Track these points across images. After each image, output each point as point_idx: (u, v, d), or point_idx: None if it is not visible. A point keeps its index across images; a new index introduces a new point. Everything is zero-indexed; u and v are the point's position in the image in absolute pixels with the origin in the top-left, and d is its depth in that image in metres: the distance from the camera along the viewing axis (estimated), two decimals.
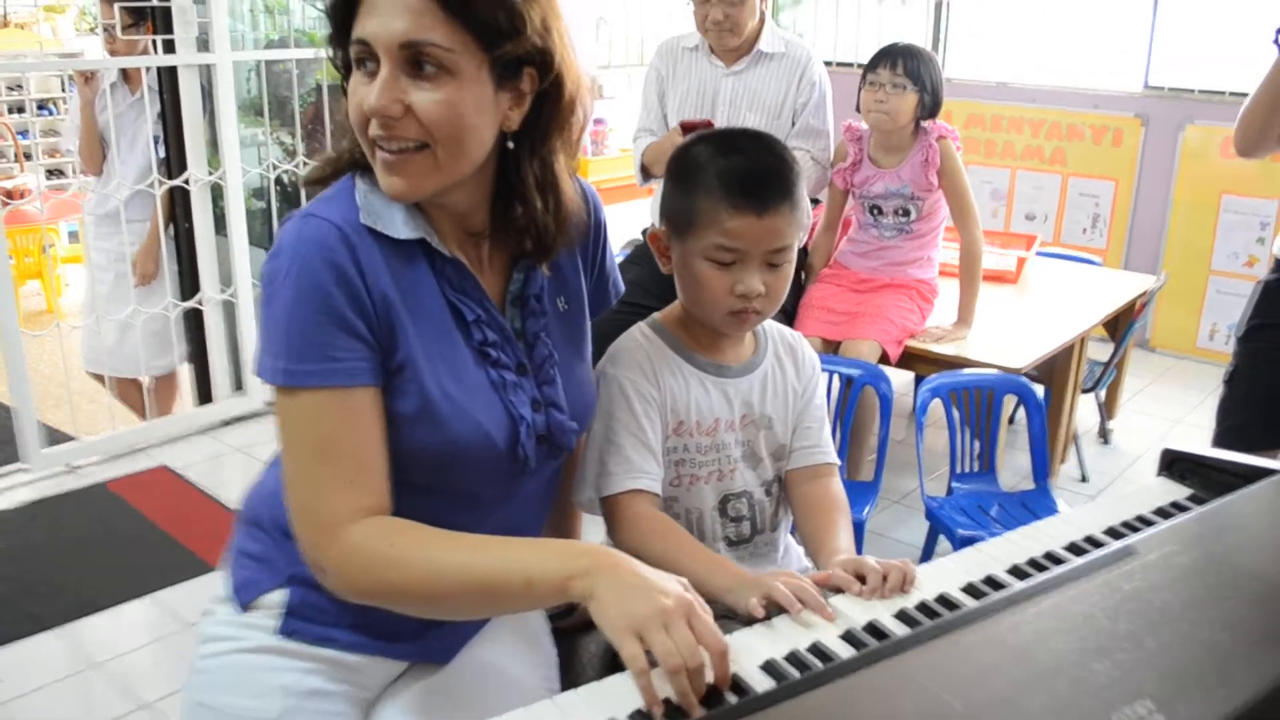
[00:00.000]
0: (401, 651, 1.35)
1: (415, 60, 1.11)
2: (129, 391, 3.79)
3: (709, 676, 0.99)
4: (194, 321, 3.77)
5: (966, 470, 2.74)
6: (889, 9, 5.48)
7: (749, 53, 3.11)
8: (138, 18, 3.41)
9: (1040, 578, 1.14)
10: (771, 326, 1.57)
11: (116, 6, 3.34)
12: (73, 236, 6.24)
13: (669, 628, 0.99)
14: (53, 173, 7.37)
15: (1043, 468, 2.67)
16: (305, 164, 3.86)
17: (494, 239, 1.28)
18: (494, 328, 1.26)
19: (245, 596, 1.31)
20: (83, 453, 3.56)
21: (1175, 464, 1.57)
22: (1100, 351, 3.73)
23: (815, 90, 3.11)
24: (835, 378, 2.64)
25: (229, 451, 3.72)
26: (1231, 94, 4.53)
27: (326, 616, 1.28)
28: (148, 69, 3.48)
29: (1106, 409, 3.94)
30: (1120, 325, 3.61)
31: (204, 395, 3.88)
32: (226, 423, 3.90)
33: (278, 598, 1.29)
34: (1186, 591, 1.08)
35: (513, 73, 1.17)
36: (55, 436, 3.73)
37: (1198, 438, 3.74)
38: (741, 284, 1.39)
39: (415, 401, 1.19)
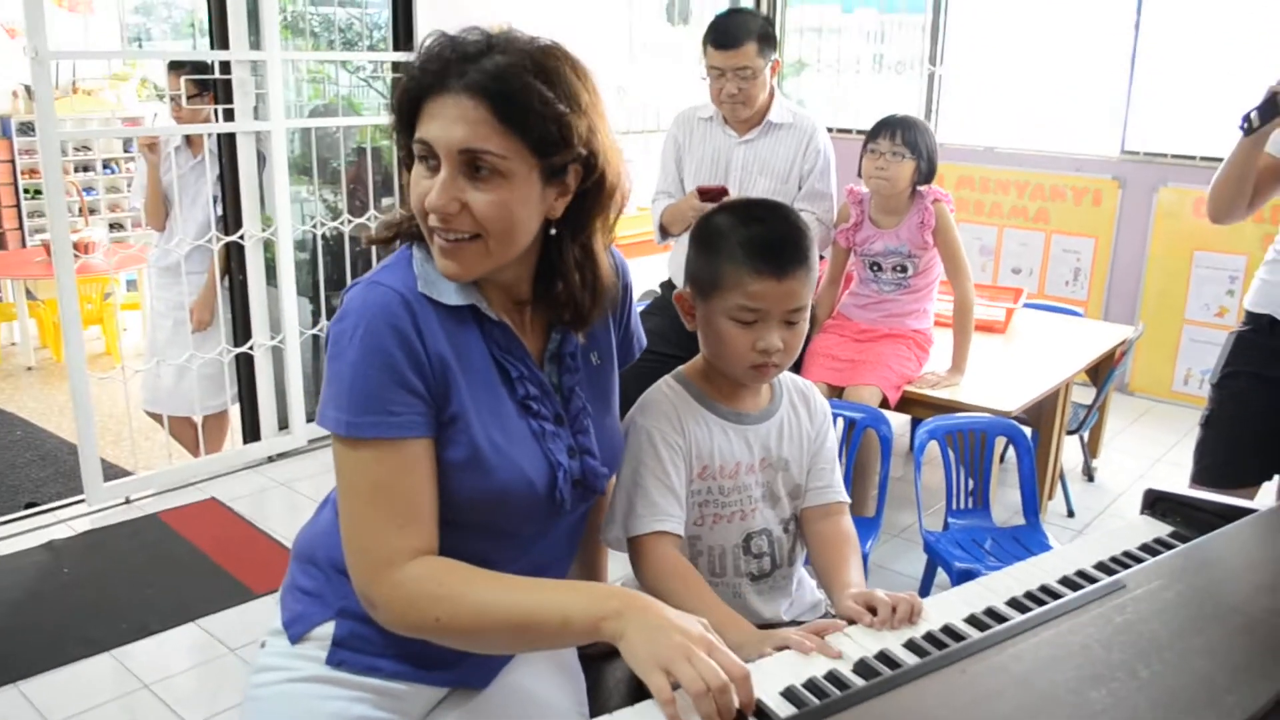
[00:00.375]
0: (441, 679, 1.36)
1: (473, 164, 1.15)
2: (183, 430, 3.82)
3: (735, 701, 1.01)
4: (245, 365, 3.80)
5: (961, 506, 2.74)
6: (886, 79, 5.54)
7: (759, 123, 3.16)
8: (201, 88, 3.49)
9: (1038, 611, 1.16)
10: (786, 377, 1.60)
11: (183, 79, 3.42)
12: (131, 285, 6.31)
13: (692, 660, 1.02)
14: (114, 226, 7.45)
15: (1032, 504, 2.68)
16: (350, 221, 3.92)
17: (535, 305, 1.32)
18: (535, 383, 1.29)
19: (296, 631, 1.33)
20: (139, 486, 3.58)
21: (1158, 503, 1.59)
22: (1084, 395, 3.74)
23: (820, 157, 3.15)
24: (839, 420, 2.65)
25: (274, 486, 3.74)
26: (1203, 158, 4.56)
27: (372, 647, 1.30)
28: (208, 135, 3.54)
29: (1090, 449, 3.94)
30: (1101, 371, 3.62)
31: (252, 433, 3.91)
32: (272, 459, 3.92)
33: (327, 630, 1.31)
34: (1174, 623, 1.10)
35: (560, 173, 1.21)
36: (113, 471, 3.76)
37: (1176, 475, 3.75)
38: (763, 341, 1.42)
39: (465, 451, 1.22)
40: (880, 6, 5.52)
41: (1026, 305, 3.98)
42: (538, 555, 1.36)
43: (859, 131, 5.16)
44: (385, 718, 1.31)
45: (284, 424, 3.95)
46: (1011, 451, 3.60)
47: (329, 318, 3.91)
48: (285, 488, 3.72)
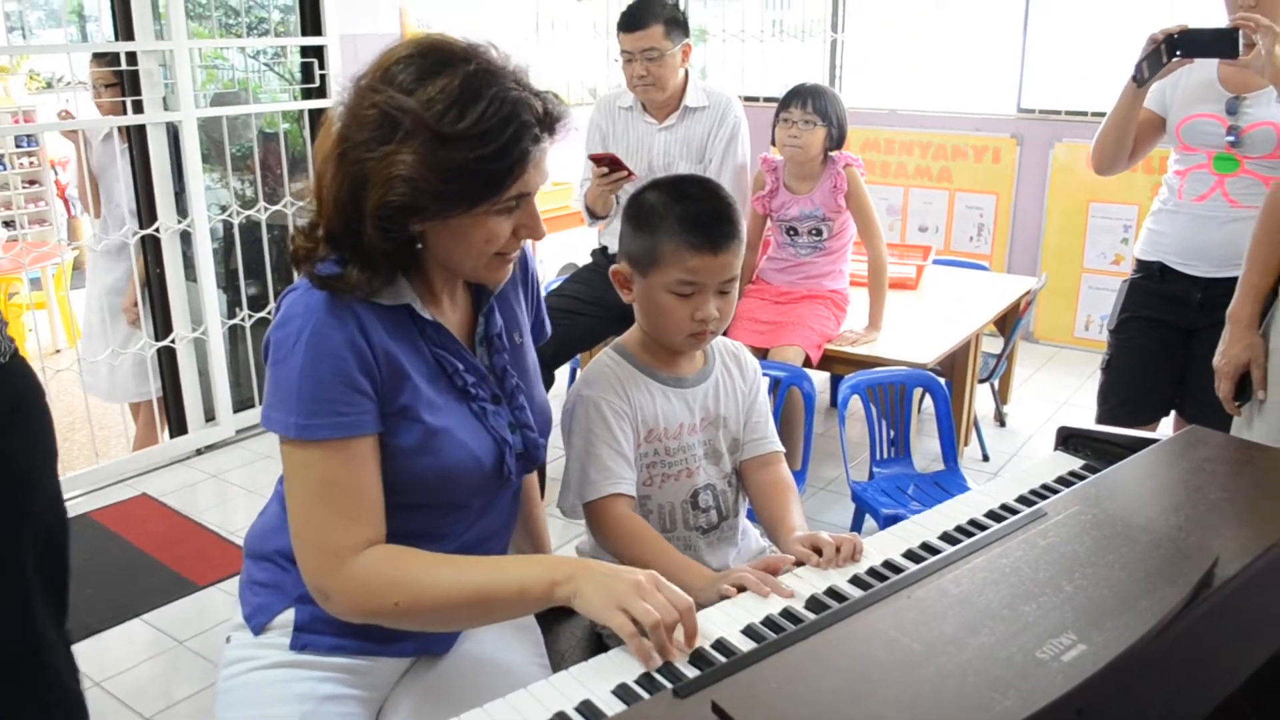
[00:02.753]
0: (405, 649, 1.41)
1: None
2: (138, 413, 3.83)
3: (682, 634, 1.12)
4: (167, 359, 3.76)
5: (885, 456, 2.86)
6: (788, 46, 5.64)
7: (677, 109, 3.23)
8: (119, 78, 3.43)
9: (968, 541, 1.26)
10: (717, 340, 1.68)
11: (91, 70, 3.38)
12: (35, 284, 6.13)
13: (645, 597, 1.12)
14: (7, 224, 7.20)
15: (951, 450, 2.81)
16: (265, 209, 3.89)
17: (462, 285, 1.41)
18: (472, 370, 1.37)
19: (258, 622, 1.38)
20: (67, 487, 3.46)
21: (1069, 439, 1.71)
22: (992, 345, 3.90)
23: (725, 128, 3.23)
24: (765, 380, 2.74)
25: (205, 478, 3.71)
26: (1094, 114, 4.76)
27: (333, 628, 1.34)
28: (114, 128, 3.48)
29: (1000, 395, 4.12)
30: (1008, 321, 3.79)
31: (178, 427, 3.87)
32: (200, 451, 3.89)
33: (287, 618, 1.36)
34: (1091, 543, 1.20)
35: None
36: None
37: (1082, 416, 3.93)
38: (700, 311, 1.50)
39: (417, 437, 1.29)
40: None
41: (935, 262, 4.13)
42: (484, 526, 1.43)
43: (766, 99, 5.28)
44: (351, 693, 1.35)
45: (210, 416, 3.91)
46: (929, 402, 3.75)
47: (249, 308, 3.89)
48: (216, 479, 3.70)
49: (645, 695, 1.04)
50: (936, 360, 3.08)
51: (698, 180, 1.58)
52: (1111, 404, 2.58)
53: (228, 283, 3.97)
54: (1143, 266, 2.55)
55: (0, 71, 7.28)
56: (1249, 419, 2.11)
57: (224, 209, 3.82)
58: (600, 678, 1.09)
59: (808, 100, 3.10)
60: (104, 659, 2.65)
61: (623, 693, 1.05)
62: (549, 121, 1.24)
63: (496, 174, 1.20)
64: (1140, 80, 2.36)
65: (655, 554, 1.42)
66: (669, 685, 1.02)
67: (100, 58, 3.46)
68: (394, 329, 1.28)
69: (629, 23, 3.10)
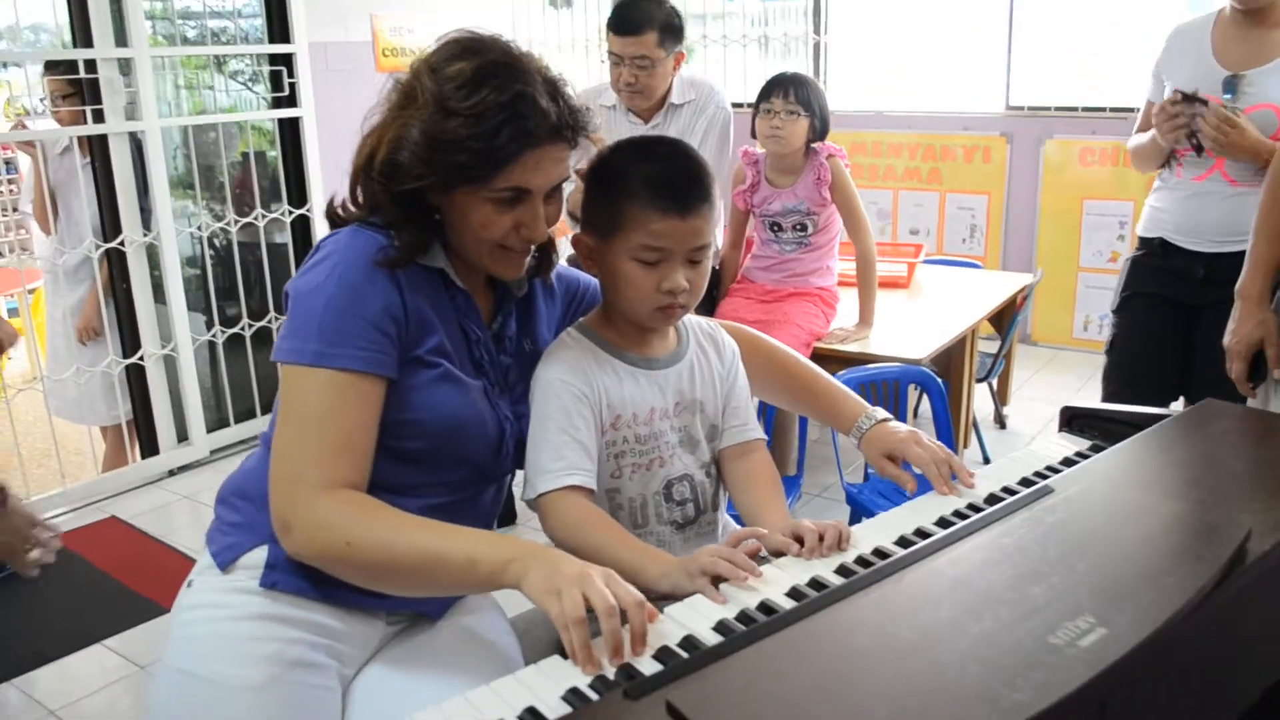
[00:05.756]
0: (381, 604, 1.32)
1: (556, 187, 1.32)
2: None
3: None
4: (136, 377, 3.62)
5: None
6: (773, 56, 5.53)
7: (661, 107, 3.10)
8: (77, 87, 3.30)
9: (967, 521, 1.12)
10: (690, 319, 1.54)
11: (45, 80, 3.25)
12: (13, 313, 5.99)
13: (584, 588, 1.03)
14: None
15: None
16: (236, 222, 3.76)
17: (489, 282, 1.43)
18: (487, 349, 1.38)
19: (225, 559, 1.31)
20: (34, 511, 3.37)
21: (1075, 420, 1.58)
22: (990, 348, 3.77)
23: (707, 119, 3.10)
24: None
25: (176, 500, 3.56)
26: (1085, 109, 4.65)
27: (305, 569, 1.25)
28: (72, 138, 3.35)
29: (999, 397, 3.98)
30: (1004, 319, 3.66)
31: (149, 447, 3.72)
32: (172, 472, 3.74)
33: (258, 556, 1.29)
34: (1106, 519, 1.06)
35: None
36: None
37: None
38: (668, 281, 1.36)
39: (436, 375, 1.29)
40: None
41: (927, 261, 4.00)
42: (466, 514, 1.36)
43: (749, 105, 5.15)
44: (323, 661, 1.27)
45: (183, 435, 3.77)
46: (926, 404, 3.61)
47: (221, 324, 3.75)
48: (189, 501, 3.55)
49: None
50: (931, 355, 2.94)
51: (669, 141, 1.44)
52: (1116, 385, 2.46)
53: (201, 299, 3.83)
54: (1145, 243, 2.44)
55: None
56: (1265, 400, 1.97)
57: (194, 223, 3.70)
58: (553, 682, 0.94)
59: (789, 90, 2.97)
60: (63, 686, 2.51)
61: (573, 698, 0.91)
62: (561, 128, 1.26)
63: (483, 157, 1.22)
64: (1199, 149, 2.27)
65: (615, 543, 1.26)
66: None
67: (54, 66, 3.33)
68: (427, 285, 1.31)
69: (621, 25, 2.93)
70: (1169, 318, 2.38)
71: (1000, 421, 3.97)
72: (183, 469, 3.77)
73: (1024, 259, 4.91)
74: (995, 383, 3.87)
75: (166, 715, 1.26)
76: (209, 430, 3.81)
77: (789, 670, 0.82)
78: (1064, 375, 4.54)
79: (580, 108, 1.31)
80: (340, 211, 1.37)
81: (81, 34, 3.31)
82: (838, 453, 2.67)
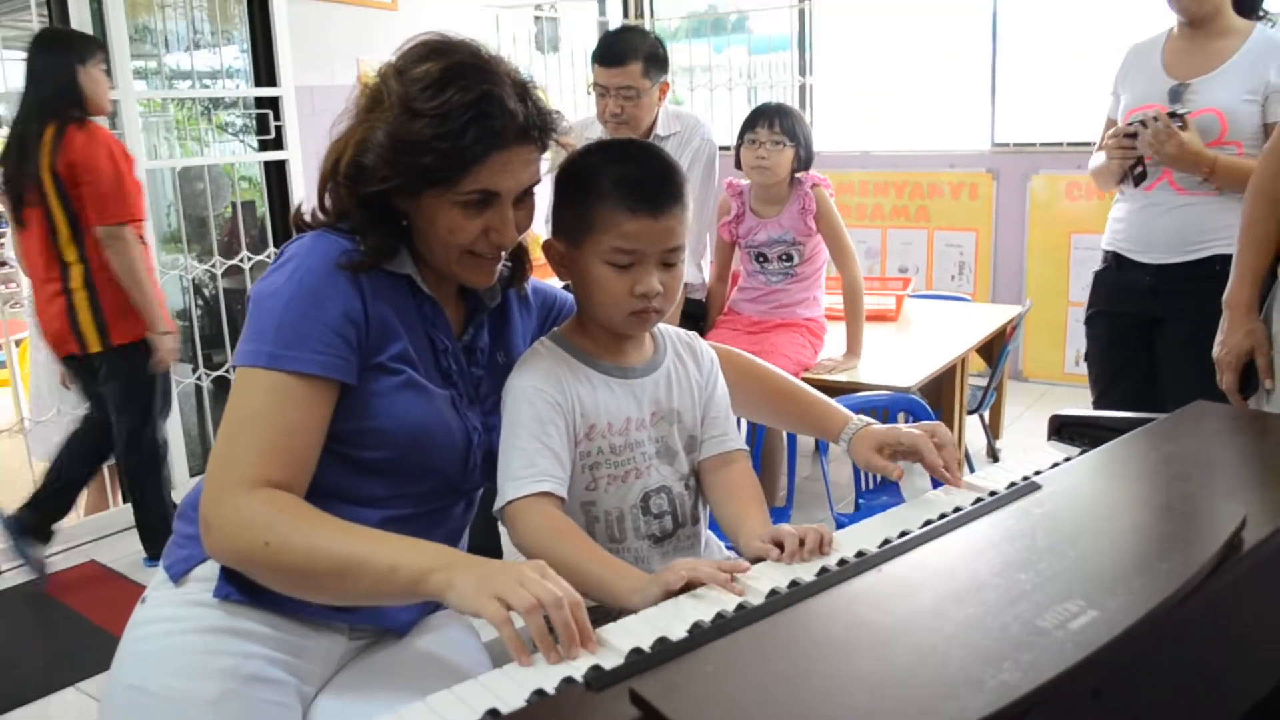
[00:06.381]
0: (344, 617, 1.29)
1: (524, 194, 1.29)
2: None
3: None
4: None
5: (870, 487, 2.67)
6: (760, 101, 5.55)
7: (648, 139, 3.09)
8: None
9: (953, 515, 1.07)
10: (667, 328, 1.50)
11: None
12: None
13: (523, 583, 0.99)
14: None
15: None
16: (222, 262, 3.73)
17: (459, 291, 1.40)
18: (455, 359, 1.35)
19: (177, 571, 1.27)
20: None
21: (1064, 428, 1.54)
22: (981, 382, 3.73)
23: (689, 150, 3.08)
24: (741, 419, 2.56)
25: None
26: (1070, 144, 4.66)
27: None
28: None
29: (991, 429, 3.94)
30: (995, 350, 3.63)
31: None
32: None
33: (211, 568, 1.24)
34: (1095, 511, 1.02)
35: None
36: None
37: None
38: (641, 284, 1.32)
39: (398, 383, 1.25)
40: (750, 47, 5.56)
41: (914, 296, 3.98)
42: (435, 530, 1.33)
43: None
44: (280, 677, 1.22)
45: None
46: None
47: (208, 367, 3.70)
48: None
49: None
50: (920, 384, 2.90)
51: (639, 143, 1.41)
52: (1098, 392, 2.54)
53: (188, 349, 3.79)
54: (1105, 256, 2.54)
55: None
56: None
57: (179, 267, 3.67)
58: (516, 684, 0.89)
59: (774, 120, 2.97)
60: None
61: (536, 699, 0.85)
62: (529, 129, 1.24)
63: (449, 158, 1.19)
64: (1141, 179, 2.36)
65: (585, 556, 1.20)
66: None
67: None
68: (392, 292, 1.28)
69: (606, 57, 2.92)
70: (1128, 334, 2.46)
71: (993, 454, 3.93)
72: None
73: (1013, 294, 4.89)
74: (987, 415, 3.83)
75: None
76: (191, 475, 3.75)
77: (762, 659, 0.77)
78: (1057, 410, 4.49)
79: (550, 110, 1.28)
80: (308, 219, 1.33)
81: None
82: (828, 485, 2.62)
